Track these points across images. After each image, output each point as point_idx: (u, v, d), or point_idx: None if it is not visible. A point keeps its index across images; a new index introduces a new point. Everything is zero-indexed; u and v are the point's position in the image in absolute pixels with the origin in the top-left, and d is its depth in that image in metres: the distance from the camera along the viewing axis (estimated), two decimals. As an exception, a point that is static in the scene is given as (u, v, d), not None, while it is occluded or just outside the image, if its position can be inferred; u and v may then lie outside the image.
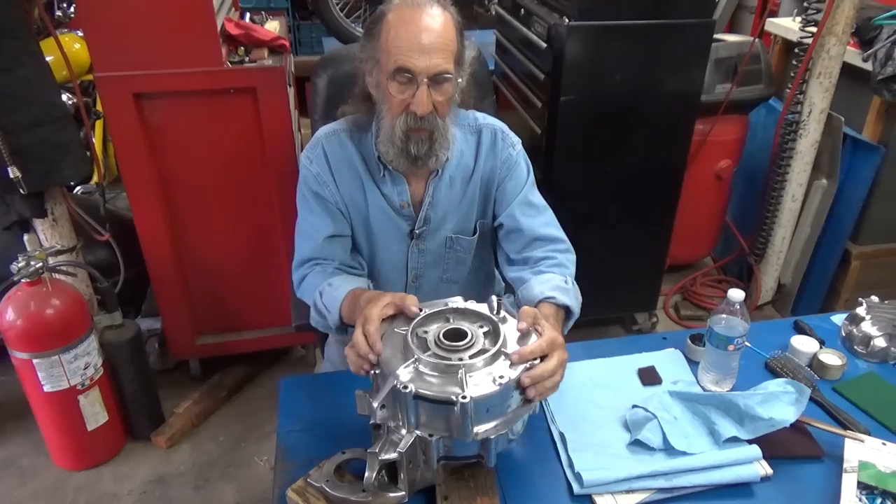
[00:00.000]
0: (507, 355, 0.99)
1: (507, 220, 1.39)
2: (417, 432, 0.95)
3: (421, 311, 1.06)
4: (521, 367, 0.97)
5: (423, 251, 1.42)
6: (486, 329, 1.04)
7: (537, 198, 1.41)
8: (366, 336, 1.01)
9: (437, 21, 1.16)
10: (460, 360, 0.97)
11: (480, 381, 0.94)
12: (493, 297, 1.06)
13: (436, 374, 0.95)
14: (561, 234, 1.40)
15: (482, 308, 1.07)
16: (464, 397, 0.90)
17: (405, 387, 0.92)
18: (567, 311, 1.25)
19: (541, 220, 1.39)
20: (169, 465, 2.07)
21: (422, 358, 0.96)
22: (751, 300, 2.74)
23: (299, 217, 1.38)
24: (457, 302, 1.08)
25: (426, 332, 1.03)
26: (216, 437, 2.18)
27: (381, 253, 1.42)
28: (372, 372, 1.00)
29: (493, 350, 0.98)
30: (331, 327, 1.26)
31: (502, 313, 1.05)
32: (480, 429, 0.94)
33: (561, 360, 1.01)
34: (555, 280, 1.27)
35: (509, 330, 1.03)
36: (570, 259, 1.38)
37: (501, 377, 0.95)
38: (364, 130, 1.34)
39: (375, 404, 0.95)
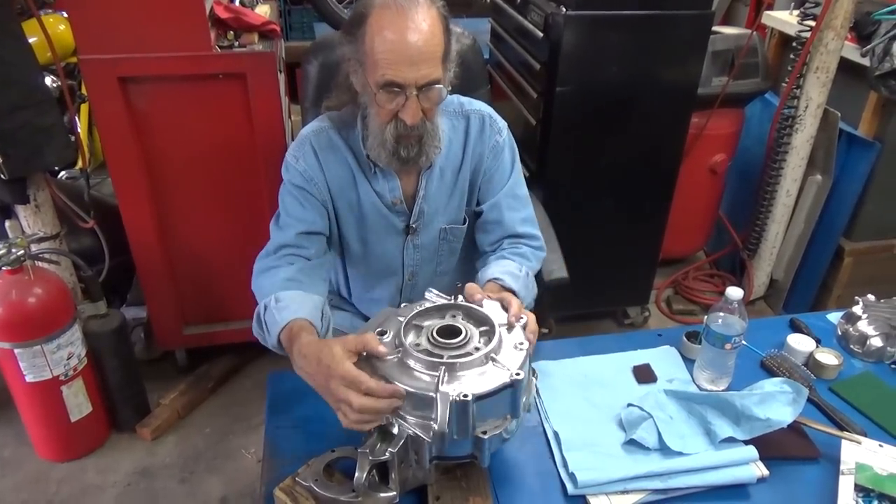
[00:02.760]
0: (503, 326, 1.00)
1: (492, 210, 1.38)
2: (484, 435, 0.92)
3: (381, 334, 0.99)
4: (519, 325, 1.01)
5: (419, 246, 1.39)
6: (458, 315, 1.04)
7: (522, 188, 1.41)
8: (372, 394, 0.91)
9: (422, 27, 1.10)
10: (476, 349, 0.96)
11: (506, 354, 0.96)
12: (431, 289, 1.09)
13: (468, 371, 0.93)
14: (537, 231, 1.41)
15: (437, 298, 1.07)
16: (517, 374, 0.91)
17: (465, 395, 0.88)
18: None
19: (522, 214, 1.39)
20: (154, 457, 2.04)
21: (448, 363, 0.92)
22: (743, 296, 2.73)
23: (281, 208, 1.32)
24: (409, 309, 1.05)
25: (417, 343, 0.99)
26: (202, 429, 2.15)
27: (375, 251, 1.39)
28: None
29: (498, 328, 0.98)
30: (267, 344, 1.17)
31: (459, 298, 1.07)
32: (525, 402, 0.97)
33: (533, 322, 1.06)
34: (509, 266, 1.29)
35: (487, 308, 1.04)
36: (536, 255, 1.39)
37: (521, 343, 0.98)
38: (350, 126, 1.30)
39: (446, 428, 0.88)
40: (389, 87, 1.13)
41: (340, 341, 0.96)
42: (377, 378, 0.92)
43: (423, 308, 1.04)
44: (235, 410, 2.22)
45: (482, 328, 1.01)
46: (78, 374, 1.90)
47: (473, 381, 0.91)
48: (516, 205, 1.38)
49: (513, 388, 0.91)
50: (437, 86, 1.15)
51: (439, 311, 1.05)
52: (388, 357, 0.95)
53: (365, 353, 0.97)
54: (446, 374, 0.91)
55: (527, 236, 1.39)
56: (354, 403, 0.90)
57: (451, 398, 0.88)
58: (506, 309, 1.05)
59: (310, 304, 1.16)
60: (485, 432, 0.92)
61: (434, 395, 0.89)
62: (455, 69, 1.23)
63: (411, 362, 0.94)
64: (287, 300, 1.15)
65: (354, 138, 1.30)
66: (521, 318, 1.03)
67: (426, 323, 1.02)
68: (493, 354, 0.94)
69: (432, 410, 0.89)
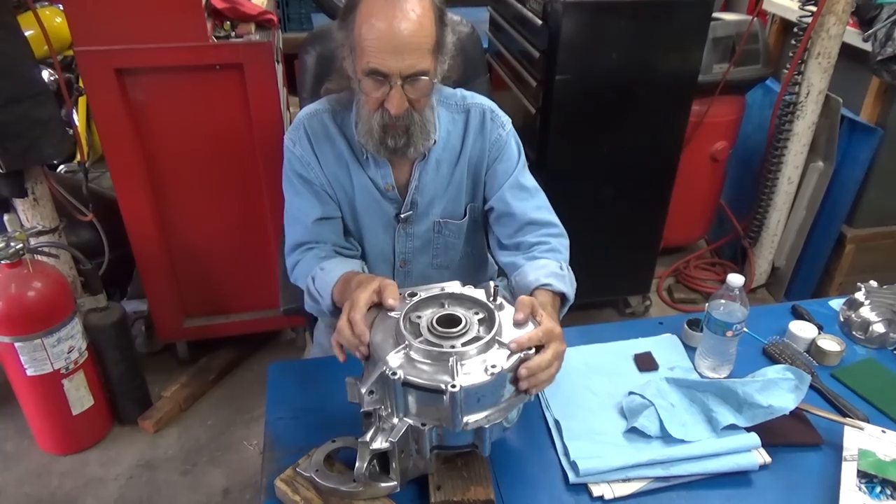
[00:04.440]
0: (501, 344, 0.96)
1: (498, 203, 1.35)
2: (408, 420, 0.92)
3: (411, 297, 1.02)
4: (516, 356, 0.94)
5: (411, 235, 1.38)
6: (481, 316, 1.01)
7: (529, 180, 1.38)
8: (351, 323, 0.98)
9: (411, 16, 1.08)
10: (452, 347, 0.94)
11: (473, 369, 0.91)
12: (490, 283, 1.03)
13: (427, 361, 0.92)
14: (554, 217, 1.37)
15: (478, 294, 1.03)
16: (453, 386, 0.87)
17: (394, 373, 0.89)
18: (563, 297, 1.23)
19: (533, 203, 1.35)
20: (156, 450, 2.05)
21: (413, 344, 0.93)
22: (744, 283, 2.73)
23: (286, 201, 1.34)
24: (453, 287, 1.05)
25: (419, 317, 1.00)
26: (204, 421, 2.15)
27: (367, 236, 1.39)
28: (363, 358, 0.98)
29: (487, 338, 0.94)
30: (325, 312, 1.24)
31: (499, 300, 1.02)
32: (471, 418, 0.92)
33: (557, 351, 0.98)
34: (550, 266, 1.24)
35: (505, 317, 1.00)
36: (563, 244, 1.35)
37: (493, 367, 0.91)
38: (347, 110, 1.30)
39: (363, 390, 0.92)
40: (374, 76, 1.11)
41: (379, 278, 1.06)
42: (382, 333, 0.98)
43: (463, 293, 1.03)
44: (237, 402, 2.22)
45: (474, 311, 1.01)
46: (79, 367, 1.90)
47: (424, 371, 0.91)
48: (523, 195, 1.35)
49: (440, 395, 0.88)
50: (423, 77, 1.13)
51: (474, 304, 1.03)
52: (394, 314, 0.99)
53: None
54: (408, 350, 0.92)
55: (544, 223, 1.34)
56: (339, 321, 1.01)
57: (384, 367, 0.89)
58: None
59: (353, 264, 1.28)
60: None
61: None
62: (450, 61, 1.21)
63: (399, 328, 0.95)
64: (331, 265, 1.25)
65: (349, 122, 1.29)
66: (528, 351, 0.96)
67: (425, 313, 1.01)
68: (455, 359, 0.92)
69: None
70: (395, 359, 0.92)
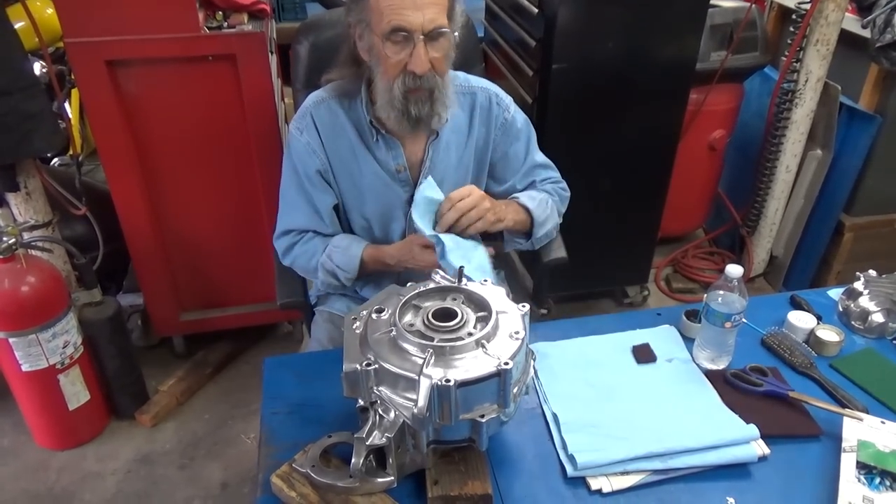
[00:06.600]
0: (500, 313, 0.97)
1: (524, 182, 1.44)
2: (468, 417, 0.90)
3: (382, 312, 0.99)
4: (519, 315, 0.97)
5: None
6: (459, 298, 1.01)
7: (541, 157, 1.45)
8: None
9: None
10: (469, 334, 0.93)
11: (494, 350, 0.91)
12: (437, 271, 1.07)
13: (461, 356, 0.90)
14: (558, 174, 1.48)
15: (441, 280, 1.04)
16: (506, 363, 0.88)
17: (447, 380, 0.85)
18: (531, 219, 1.33)
19: (546, 174, 1.46)
20: (154, 444, 2.04)
21: (437, 346, 0.90)
22: (743, 273, 2.72)
23: (286, 187, 1.35)
24: (411, 288, 1.03)
25: (412, 324, 0.98)
26: (201, 415, 2.14)
27: (378, 221, 1.39)
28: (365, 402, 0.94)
29: (496, 314, 0.95)
30: (340, 282, 1.34)
31: (464, 281, 1.03)
32: (514, 390, 0.93)
33: (479, 195, 1.20)
34: (533, 194, 1.36)
35: (483, 290, 1.02)
36: (563, 195, 1.46)
37: (517, 332, 0.93)
38: (352, 96, 1.29)
39: (425, 412, 0.87)
40: (396, 34, 1.11)
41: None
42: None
43: (425, 288, 1.02)
44: (234, 396, 2.21)
45: (480, 313, 0.99)
46: (74, 362, 1.89)
47: (465, 367, 0.89)
48: (540, 170, 1.45)
49: (500, 377, 0.89)
50: (444, 30, 1.14)
51: (441, 293, 1.02)
52: (381, 332, 0.95)
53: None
54: (433, 356, 0.89)
55: (557, 181, 1.46)
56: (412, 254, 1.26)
57: (432, 382, 0.86)
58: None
59: (360, 239, 1.36)
60: (482, 416, 0.90)
61: (417, 378, 0.87)
62: (457, 36, 1.22)
63: (403, 343, 0.92)
64: (346, 241, 1.34)
65: (355, 107, 1.29)
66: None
67: (426, 304, 1.00)
68: (484, 341, 0.91)
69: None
70: (434, 370, 0.88)
